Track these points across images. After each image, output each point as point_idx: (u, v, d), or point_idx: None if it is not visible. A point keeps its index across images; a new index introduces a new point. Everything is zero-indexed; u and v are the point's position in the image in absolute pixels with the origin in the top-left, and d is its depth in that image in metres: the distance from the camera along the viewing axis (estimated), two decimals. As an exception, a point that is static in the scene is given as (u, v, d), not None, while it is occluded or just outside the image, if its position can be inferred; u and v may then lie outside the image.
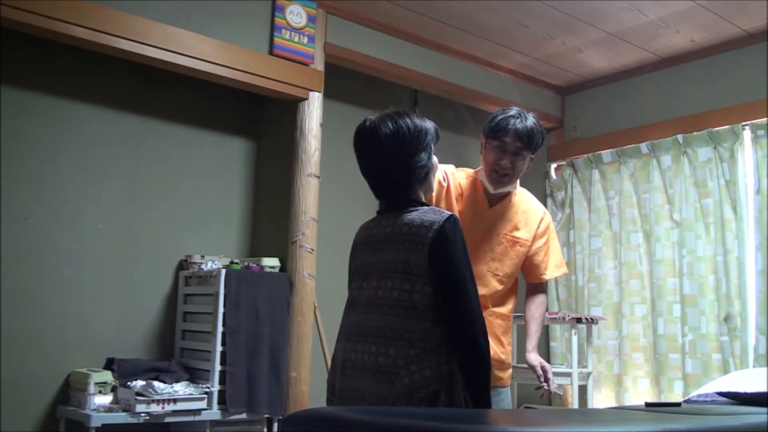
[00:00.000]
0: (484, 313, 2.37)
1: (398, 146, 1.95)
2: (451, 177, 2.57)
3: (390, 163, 1.97)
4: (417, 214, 1.95)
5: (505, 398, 2.61)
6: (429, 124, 2.02)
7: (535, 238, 2.63)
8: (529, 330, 2.67)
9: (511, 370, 2.67)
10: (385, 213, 2.03)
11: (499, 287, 2.57)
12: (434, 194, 2.46)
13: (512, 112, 2.49)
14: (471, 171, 2.65)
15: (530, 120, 2.48)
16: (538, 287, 2.73)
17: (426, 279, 1.89)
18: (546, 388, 2.57)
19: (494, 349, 2.50)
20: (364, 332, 1.94)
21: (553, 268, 2.69)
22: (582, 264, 4.86)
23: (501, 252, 2.57)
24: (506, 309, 2.63)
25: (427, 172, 2.02)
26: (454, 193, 2.56)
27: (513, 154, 2.48)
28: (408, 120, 1.97)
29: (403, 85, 4.45)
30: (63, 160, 3.53)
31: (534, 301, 2.71)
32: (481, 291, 2.36)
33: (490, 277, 2.55)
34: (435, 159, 2.05)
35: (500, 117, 2.48)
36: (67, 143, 3.54)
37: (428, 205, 2.01)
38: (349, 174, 4.24)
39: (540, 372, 2.57)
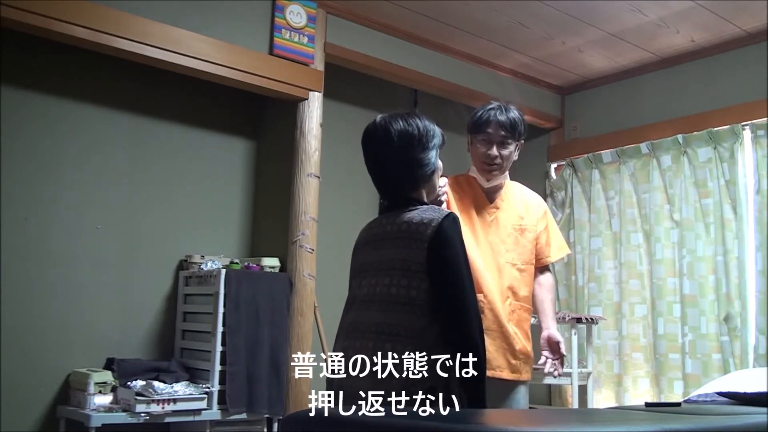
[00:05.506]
0: (514, 308, 2.55)
1: (408, 143, 2.00)
2: (447, 188, 2.60)
3: (399, 160, 2.01)
4: (417, 213, 1.98)
5: (526, 394, 2.62)
6: (437, 128, 2.08)
7: (537, 223, 2.69)
8: (547, 309, 2.67)
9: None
10: (387, 212, 2.06)
11: (519, 276, 2.61)
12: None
13: (492, 105, 2.61)
14: (462, 174, 2.71)
15: (511, 111, 2.59)
16: (545, 271, 2.75)
17: (424, 275, 1.91)
18: (554, 369, 2.59)
19: (523, 343, 2.56)
20: (362, 329, 1.96)
21: (556, 250, 2.73)
22: (582, 264, 4.86)
23: (513, 242, 2.61)
24: (529, 303, 2.66)
25: (433, 171, 2.06)
26: (453, 201, 2.60)
27: (499, 144, 2.58)
28: (418, 120, 2.04)
29: (403, 85, 4.45)
30: (63, 160, 3.53)
31: (544, 285, 2.72)
32: (505, 283, 2.51)
33: (509, 268, 2.58)
34: (439, 162, 2.10)
35: (481, 111, 2.61)
36: (67, 143, 3.54)
37: (428, 204, 2.05)
38: (349, 174, 4.28)
39: (563, 350, 2.59)
